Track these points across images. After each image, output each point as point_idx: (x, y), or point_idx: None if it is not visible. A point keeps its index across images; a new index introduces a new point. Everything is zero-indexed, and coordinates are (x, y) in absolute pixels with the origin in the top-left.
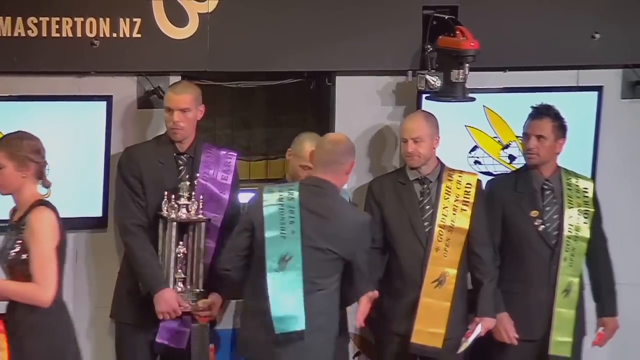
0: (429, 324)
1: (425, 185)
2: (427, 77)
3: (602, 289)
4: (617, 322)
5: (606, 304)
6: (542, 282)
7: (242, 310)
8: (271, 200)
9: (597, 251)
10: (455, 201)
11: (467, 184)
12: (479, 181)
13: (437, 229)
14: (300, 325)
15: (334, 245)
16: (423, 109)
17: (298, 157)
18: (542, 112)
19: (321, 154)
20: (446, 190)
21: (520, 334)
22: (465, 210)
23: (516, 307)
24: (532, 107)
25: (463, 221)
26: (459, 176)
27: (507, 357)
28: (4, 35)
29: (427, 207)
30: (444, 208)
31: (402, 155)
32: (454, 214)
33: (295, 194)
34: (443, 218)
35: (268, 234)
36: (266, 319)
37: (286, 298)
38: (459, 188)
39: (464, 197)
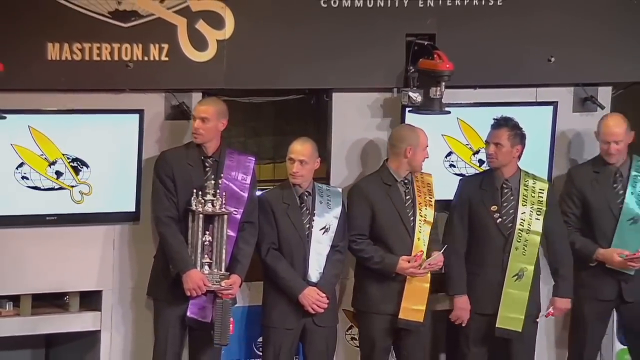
0: (413, 302)
1: (408, 186)
2: (410, 93)
3: (558, 274)
4: (569, 303)
5: (559, 286)
6: (497, 266)
7: None
8: None
9: (555, 242)
10: (425, 198)
11: (428, 183)
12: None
13: (418, 221)
14: None
15: None
16: (406, 120)
17: (289, 152)
18: (500, 123)
19: None
20: (417, 188)
21: (475, 307)
22: (431, 205)
23: (475, 285)
24: (493, 118)
25: (430, 215)
26: (421, 176)
27: (466, 328)
28: (54, 58)
29: (411, 204)
30: (419, 204)
31: (409, 164)
32: (425, 209)
33: None
34: (420, 212)
35: None
36: None
37: None
38: (423, 187)
39: (429, 195)
